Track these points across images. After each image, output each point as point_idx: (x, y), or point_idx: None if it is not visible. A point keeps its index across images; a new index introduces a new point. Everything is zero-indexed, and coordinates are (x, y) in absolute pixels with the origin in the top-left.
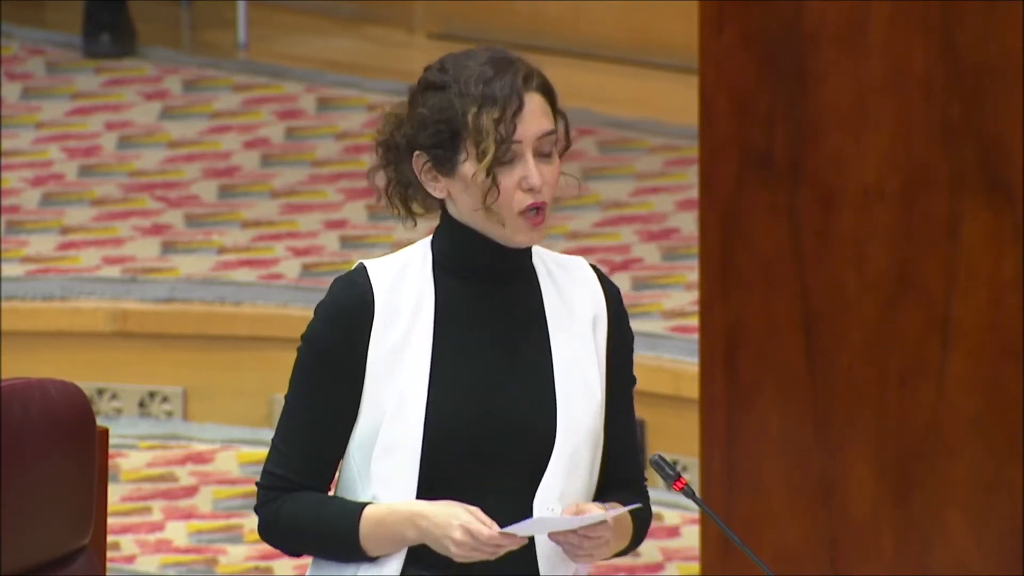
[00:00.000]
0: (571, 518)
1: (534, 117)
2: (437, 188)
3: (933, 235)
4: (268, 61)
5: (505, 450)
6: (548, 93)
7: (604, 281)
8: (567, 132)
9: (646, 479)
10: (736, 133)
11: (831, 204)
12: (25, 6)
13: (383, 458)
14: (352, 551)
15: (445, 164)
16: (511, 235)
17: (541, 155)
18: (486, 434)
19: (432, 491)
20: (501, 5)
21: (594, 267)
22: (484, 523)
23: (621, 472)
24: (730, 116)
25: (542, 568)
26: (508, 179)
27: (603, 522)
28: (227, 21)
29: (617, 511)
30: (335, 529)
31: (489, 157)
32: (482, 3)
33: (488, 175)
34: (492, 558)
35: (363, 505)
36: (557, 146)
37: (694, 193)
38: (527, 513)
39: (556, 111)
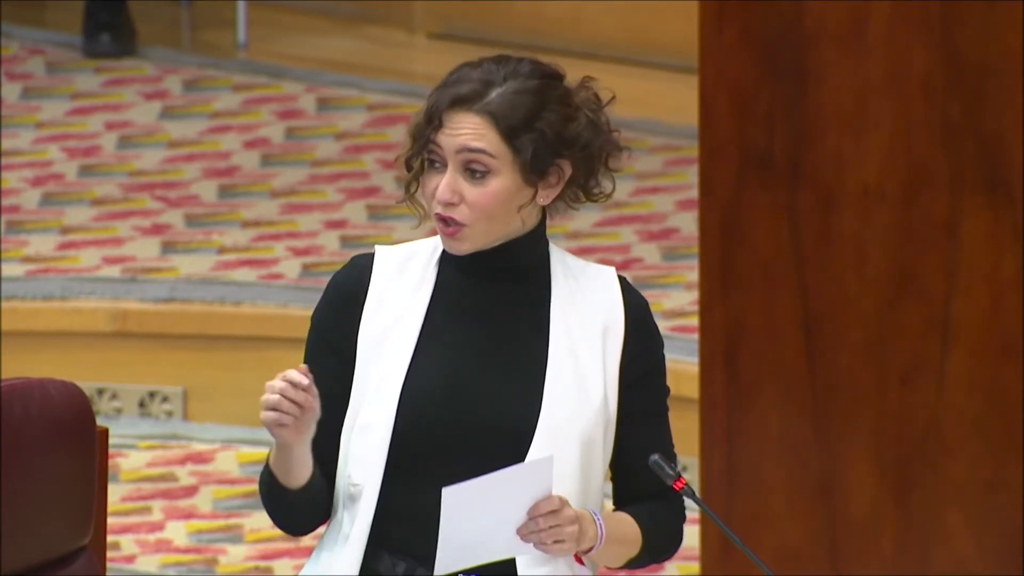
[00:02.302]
0: (506, 469)
1: (456, 134)
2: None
3: (933, 235)
4: (268, 61)
5: (474, 444)
6: (500, 118)
7: (628, 292)
8: (536, 168)
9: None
10: (736, 133)
11: (831, 204)
12: (25, 6)
13: (359, 438)
14: (279, 488)
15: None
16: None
17: (469, 173)
18: (455, 426)
19: (400, 475)
20: (501, 5)
21: (622, 278)
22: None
23: (649, 485)
24: (730, 116)
25: (520, 568)
26: (428, 182)
27: (554, 511)
28: (227, 21)
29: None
30: (267, 473)
31: (405, 152)
32: (482, 3)
33: (409, 170)
34: (267, 407)
35: None
36: (502, 171)
37: (694, 193)
38: None
39: (517, 140)
